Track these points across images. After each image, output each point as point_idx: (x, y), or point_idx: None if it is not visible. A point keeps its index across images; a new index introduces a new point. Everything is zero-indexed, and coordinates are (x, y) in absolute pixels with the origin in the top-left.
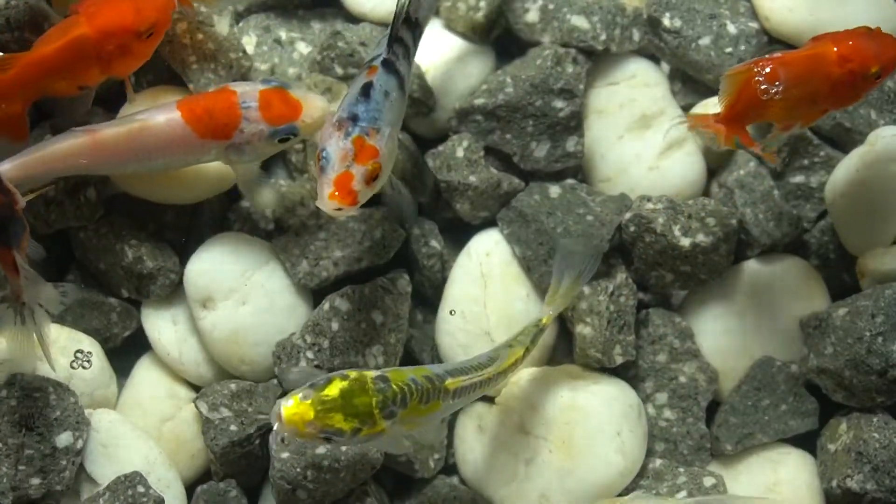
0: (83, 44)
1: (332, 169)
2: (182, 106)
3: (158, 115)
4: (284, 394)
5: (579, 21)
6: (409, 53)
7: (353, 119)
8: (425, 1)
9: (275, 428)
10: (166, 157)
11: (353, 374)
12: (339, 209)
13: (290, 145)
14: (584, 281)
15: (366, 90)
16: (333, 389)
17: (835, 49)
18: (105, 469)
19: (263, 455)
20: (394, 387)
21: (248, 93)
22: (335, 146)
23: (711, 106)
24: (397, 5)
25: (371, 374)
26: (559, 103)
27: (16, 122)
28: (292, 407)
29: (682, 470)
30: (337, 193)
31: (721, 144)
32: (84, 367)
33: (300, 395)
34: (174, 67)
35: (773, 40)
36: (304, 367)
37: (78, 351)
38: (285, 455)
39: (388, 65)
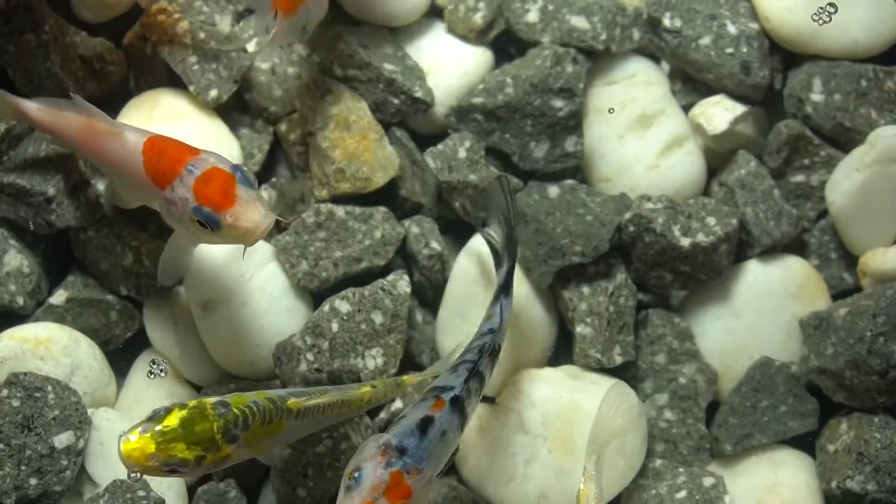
0: None
1: (358, 493)
2: (152, 138)
3: (134, 134)
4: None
5: (579, 21)
6: (482, 386)
7: (401, 451)
8: (505, 326)
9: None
10: (125, 176)
11: (192, 402)
12: None
13: (208, 239)
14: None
15: (424, 425)
16: (173, 420)
17: None
18: (104, 469)
19: None
20: (234, 410)
21: (202, 160)
22: (372, 471)
23: (711, 105)
24: (484, 337)
25: (211, 400)
26: (558, 103)
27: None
28: (133, 442)
29: (681, 470)
30: None
31: None
32: (160, 376)
33: (140, 428)
34: (174, 69)
35: (773, 42)
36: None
37: (152, 361)
38: (287, 451)
39: (456, 403)
